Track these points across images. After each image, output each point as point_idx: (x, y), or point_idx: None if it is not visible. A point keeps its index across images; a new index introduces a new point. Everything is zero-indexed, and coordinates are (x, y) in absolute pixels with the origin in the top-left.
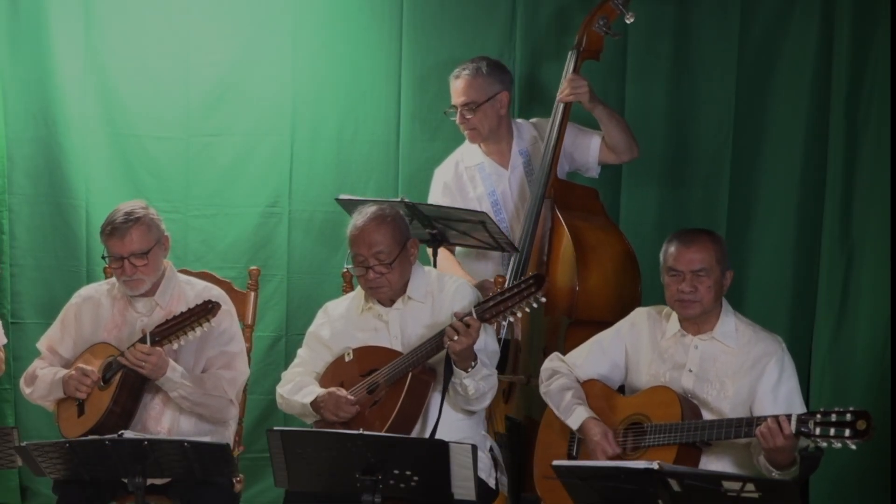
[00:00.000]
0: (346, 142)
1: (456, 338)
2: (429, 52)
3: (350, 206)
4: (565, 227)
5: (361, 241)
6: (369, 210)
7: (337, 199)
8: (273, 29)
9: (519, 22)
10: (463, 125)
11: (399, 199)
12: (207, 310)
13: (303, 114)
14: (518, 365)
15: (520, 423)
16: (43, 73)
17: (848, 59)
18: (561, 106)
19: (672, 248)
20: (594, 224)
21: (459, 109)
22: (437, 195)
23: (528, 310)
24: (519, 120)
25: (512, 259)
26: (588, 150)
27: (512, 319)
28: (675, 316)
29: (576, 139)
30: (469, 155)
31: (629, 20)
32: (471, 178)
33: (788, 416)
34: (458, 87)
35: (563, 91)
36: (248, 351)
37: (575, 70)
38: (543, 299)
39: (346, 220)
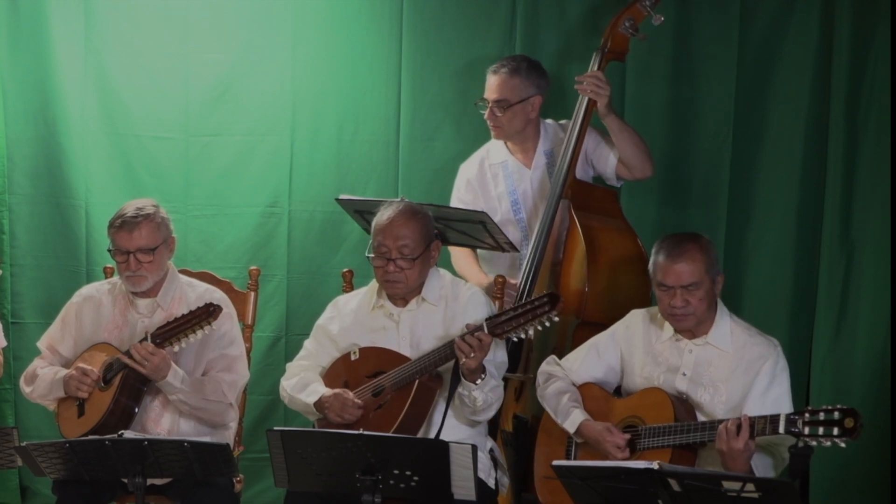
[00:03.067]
0: (346, 142)
1: (473, 355)
2: (429, 53)
3: (350, 206)
4: (579, 227)
5: (389, 231)
6: (401, 204)
7: (337, 199)
8: (273, 29)
9: (519, 22)
10: (490, 120)
11: (399, 199)
12: (209, 312)
13: (303, 114)
14: (530, 364)
15: (527, 421)
16: (43, 73)
17: (848, 59)
18: (583, 108)
19: (660, 261)
20: (609, 226)
21: (490, 105)
22: (461, 191)
23: (539, 328)
24: (548, 121)
25: (527, 258)
26: (606, 163)
27: (523, 336)
28: None
29: (597, 148)
30: (494, 152)
31: (656, 22)
32: (494, 175)
33: (776, 417)
34: (493, 82)
35: (586, 84)
36: (248, 351)
37: (599, 70)
38: (557, 318)
39: (346, 220)
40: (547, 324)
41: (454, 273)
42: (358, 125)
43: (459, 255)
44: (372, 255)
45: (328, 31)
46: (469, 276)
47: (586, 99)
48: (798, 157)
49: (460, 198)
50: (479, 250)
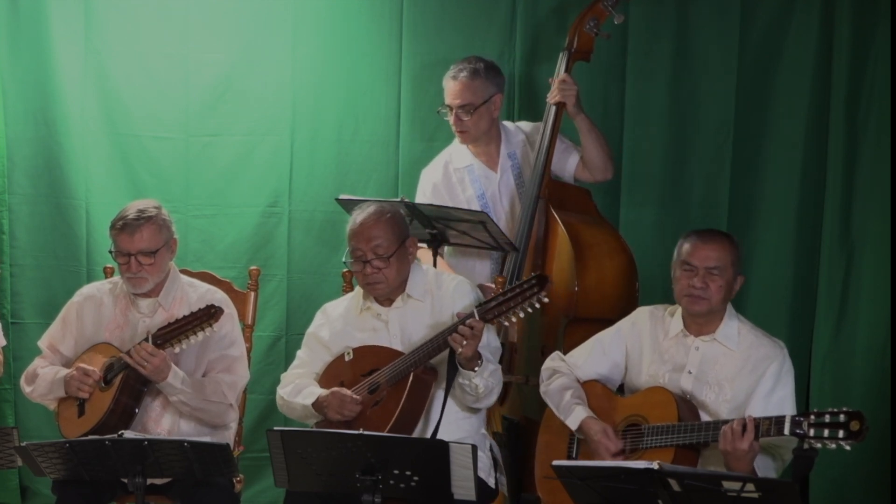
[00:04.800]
0: (346, 142)
1: (465, 343)
2: (429, 52)
3: (350, 206)
4: (561, 225)
5: (360, 235)
6: (370, 207)
7: (337, 199)
8: (273, 29)
9: (519, 22)
10: (456, 125)
11: (399, 199)
12: (210, 314)
13: (303, 114)
14: (514, 366)
15: (517, 422)
16: (43, 73)
17: (848, 59)
18: (553, 107)
19: (688, 244)
20: (589, 222)
21: (455, 110)
22: (427, 196)
23: (530, 310)
24: (506, 123)
25: (508, 260)
26: (564, 166)
27: (514, 320)
28: (678, 315)
29: (556, 149)
30: (458, 156)
31: (618, 21)
32: (460, 179)
33: (781, 419)
34: (454, 88)
35: (552, 92)
36: (248, 351)
37: (566, 71)
38: (546, 299)
39: (346, 220)
40: (537, 305)
41: (471, 274)
42: (358, 125)
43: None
44: (350, 261)
45: (328, 31)
46: None
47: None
48: (798, 157)
49: (426, 202)
50: (450, 256)
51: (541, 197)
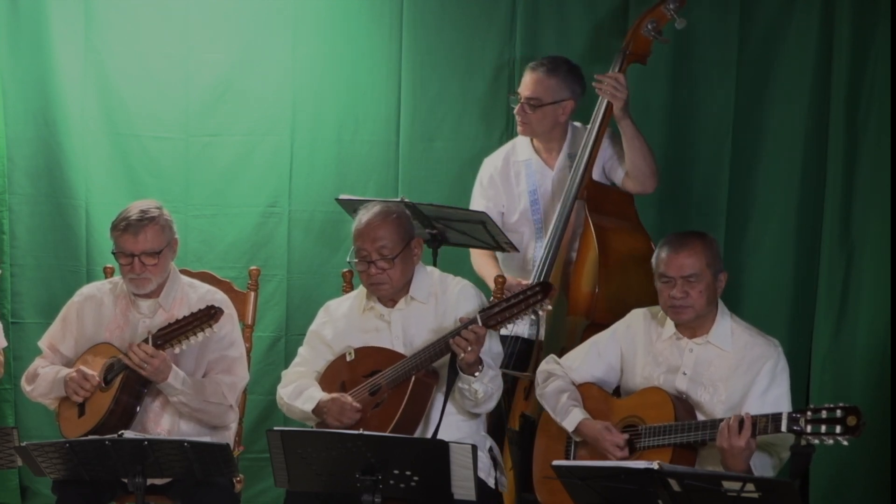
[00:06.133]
0: (346, 142)
1: (470, 349)
2: (429, 53)
3: (350, 206)
4: (592, 229)
5: (366, 235)
6: (376, 207)
7: (337, 200)
8: (273, 29)
9: (519, 22)
10: (519, 115)
11: (399, 200)
12: (210, 315)
13: (303, 114)
14: (539, 364)
15: (534, 420)
16: (43, 73)
17: (848, 59)
18: (602, 110)
19: (663, 254)
20: (622, 228)
21: (522, 100)
22: (484, 185)
23: (533, 317)
24: (577, 123)
25: (540, 257)
26: (616, 171)
27: (513, 327)
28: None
29: (611, 158)
30: (520, 148)
31: (679, 26)
32: (517, 173)
33: (778, 416)
34: (529, 79)
35: (605, 85)
36: (248, 351)
37: (620, 72)
38: (549, 307)
39: (346, 220)
40: (540, 313)
41: (472, 274)
42: (358, 125)
43: (477, 255)
44: (354, 261)
45: (328, 31)
46: (488, 277)
47: (605, 101)
48: (798, 157)
49: (483, 192)
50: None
51: (579, 198)
